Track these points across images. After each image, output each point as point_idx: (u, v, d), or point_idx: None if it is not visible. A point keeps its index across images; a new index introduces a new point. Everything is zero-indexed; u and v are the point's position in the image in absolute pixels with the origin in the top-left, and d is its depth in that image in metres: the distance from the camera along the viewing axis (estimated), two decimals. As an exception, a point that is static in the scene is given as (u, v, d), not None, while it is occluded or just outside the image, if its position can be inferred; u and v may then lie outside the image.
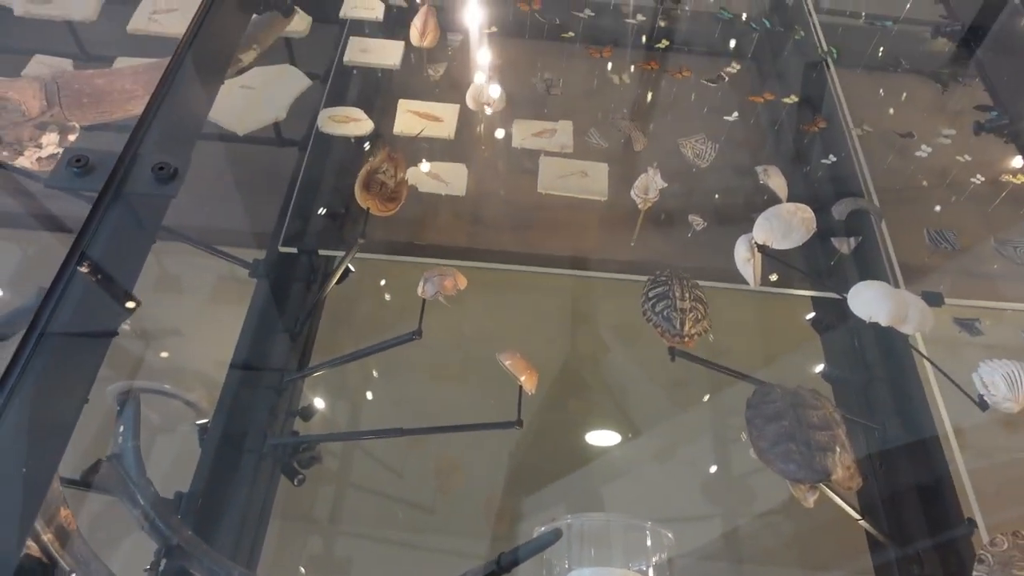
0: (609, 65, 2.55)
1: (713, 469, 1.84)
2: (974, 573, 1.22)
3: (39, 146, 1.76)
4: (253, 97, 2.16)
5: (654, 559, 1.28)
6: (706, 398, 1.97)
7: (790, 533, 1.71)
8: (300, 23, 2.36)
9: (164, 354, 1.96)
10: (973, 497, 1.54)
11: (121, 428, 1.53)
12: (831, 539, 1.65)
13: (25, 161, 1.77)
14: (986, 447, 1.65)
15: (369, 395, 1.98)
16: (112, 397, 1.58)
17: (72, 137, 1.81)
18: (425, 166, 2.09)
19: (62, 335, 1.16)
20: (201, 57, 1.46)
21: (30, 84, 1.72)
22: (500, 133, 2.26)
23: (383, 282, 2.12)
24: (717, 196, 2.19)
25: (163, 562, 1.37)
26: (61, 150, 1.80)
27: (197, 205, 2.03)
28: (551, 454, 1.90)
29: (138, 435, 1.53)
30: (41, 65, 2.09)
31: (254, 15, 2.04)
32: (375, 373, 1.99)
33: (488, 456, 1.87)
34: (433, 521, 1.81)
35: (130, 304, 1.34)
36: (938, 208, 2.15)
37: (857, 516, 1.41)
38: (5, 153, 1.73)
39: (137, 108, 1.81)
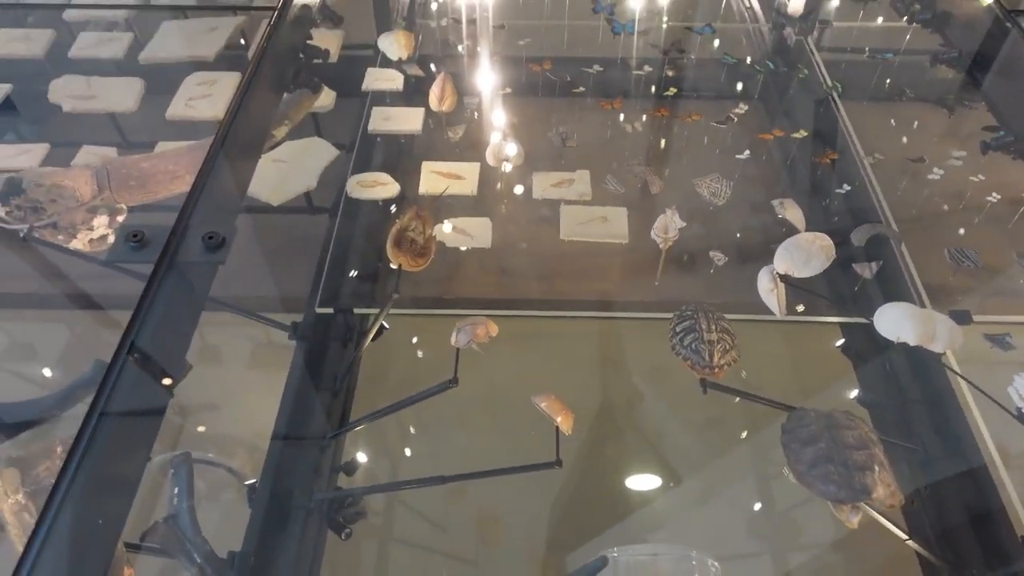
0: (621, 116, 2.65)
1: (755, 503, 1.83)
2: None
3: (91, 228, 1.88)
4: (285, 169, 2.28)
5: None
6: (744, 434, 1.98)
7: (839, 562, 1.69)
8: (326, 98, 2.50)
9: (205, 424, 2.02)
10: (1021, 509, 1.52)
11: (176, 490, 1.59)
12: (881, 565, 1.63)
13: (78, 243, 1.89)
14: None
15: (408, 450, 2.01)
16: (158, 468, 1.65)
17: (120, 218, 1.92)
18: (449, 223, 2.18)
19: (122, 408, 1.23)
20: (240, 135, 1.58)
21: (82, 172, 1.85)
22: (520, 188, 2.34)
23: (415, 339, 2.18)
24: (736, 232, 2.24)
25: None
26: (111, 231, 1.91)
27: (235, 275, 2.12)
28: (591, 499, 1.91)
29: (192, 496, 1.58)
30: (89, 154, 2.24)
31: (285, 94, 2.18)
32: (412, 430, 2.03)
33: (528, 505, 1.88)
34: (477, 573, 1.82)
35: (183, 369, 1.42)
36: (962, 232, 2.16)
37: (904, 536, 1.40)
38: (60, 237, 1.85)
39: (180, 187, 1.93)
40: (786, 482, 1.52)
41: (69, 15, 2.86)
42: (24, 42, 2.65)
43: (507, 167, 2.32)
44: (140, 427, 1.25)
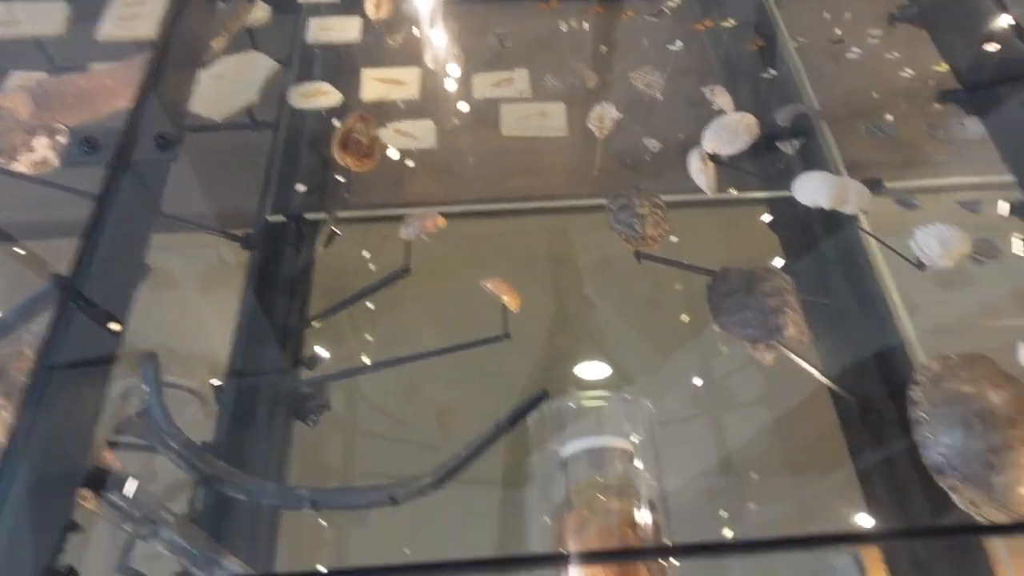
0: (558, 19, 2.68)
1: (689, 362, 2.00)
2: (910, 390, 1.38)
3: (31, 149, 1.88)
4: (225, 85, 2.28)
5: (631, 429, 1.43)
6: (677, 304, 2.13)
7: (762, 404, 1.88)
8: (261, 12, 2.47)
9: (163, 346, 2.08)
10: (918, 346, 1.71)
11: (144, 387, 1.67)
12: (799, 402, 1.83)
13: (20, 166, 1.90)
14: (927, 304, 1.82)
15: (365, 342, 2.11)
16: (117, 395, 1.71)
17: (60, 138, 1.93)
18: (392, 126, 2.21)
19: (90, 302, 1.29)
20: (180, 44, 1.60)
21: (18, 92, 1.85)
22: (456, 86, 2.38)
23: (365, 240, 2.24)
24: (670, 120, 2.33)
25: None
26: (52, 152, 1.92)
27: (183, 192, 2.15)
28: (542, 376, 2.04)
29: (161, 391, 1.67)
30: (20, 79, 2.20)
31: (220, 4, 2.17)
32: (367, 323, 2.11)
33: (482, 392, 2.01)
34: (439, 457, 1.96)
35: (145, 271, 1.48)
36: (889, 119, 2.26)
37: (812, 368, 1.56)
38: (1, 160, 1.86)
39: (119, 104, 1.93)
40: (708, 339, 1.67)
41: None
42: (-64, -33, 2.55)
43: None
44: (105, 332, 1.32)
